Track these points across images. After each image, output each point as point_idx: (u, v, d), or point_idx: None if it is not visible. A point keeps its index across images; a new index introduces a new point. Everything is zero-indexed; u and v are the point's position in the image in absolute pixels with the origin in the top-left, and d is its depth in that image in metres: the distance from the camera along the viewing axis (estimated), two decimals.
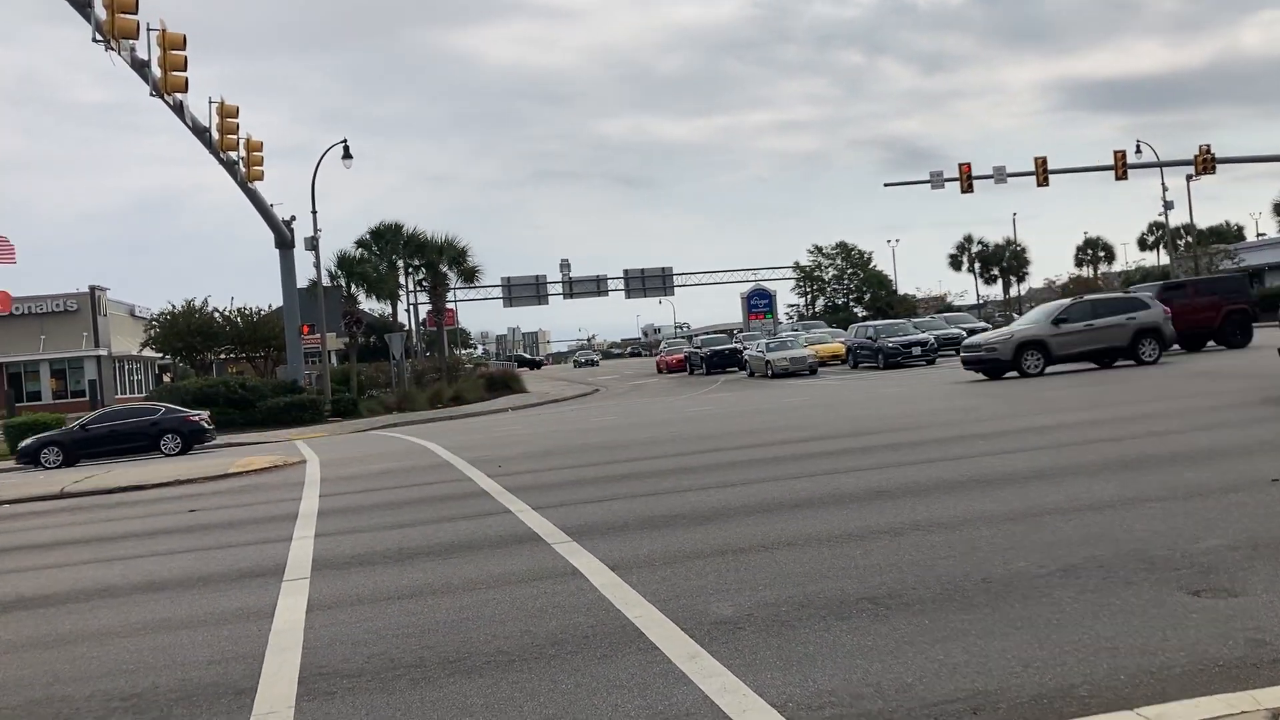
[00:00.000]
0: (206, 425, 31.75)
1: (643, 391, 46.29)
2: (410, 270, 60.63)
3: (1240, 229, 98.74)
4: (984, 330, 41.90)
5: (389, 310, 60.60)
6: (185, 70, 30.33)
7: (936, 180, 55.48)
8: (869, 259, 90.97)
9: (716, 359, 54.87)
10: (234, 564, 10.25)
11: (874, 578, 7.06)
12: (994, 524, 8.45)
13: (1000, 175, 54.63)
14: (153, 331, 56.41)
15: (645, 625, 6.40)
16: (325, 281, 45.44)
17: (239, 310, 55.49)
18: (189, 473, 21.17)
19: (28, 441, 30.94)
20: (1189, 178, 59.98)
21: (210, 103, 34.95)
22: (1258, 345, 30.27)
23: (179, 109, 33.08)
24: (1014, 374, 27.12)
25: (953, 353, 38.38)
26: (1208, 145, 53.59)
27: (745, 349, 52.10)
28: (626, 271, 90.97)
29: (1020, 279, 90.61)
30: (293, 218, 43.45)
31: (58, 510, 17.94)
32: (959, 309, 76.85)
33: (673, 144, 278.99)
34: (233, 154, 36.68)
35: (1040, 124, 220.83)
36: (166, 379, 64.89)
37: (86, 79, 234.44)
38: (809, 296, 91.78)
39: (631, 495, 12.11)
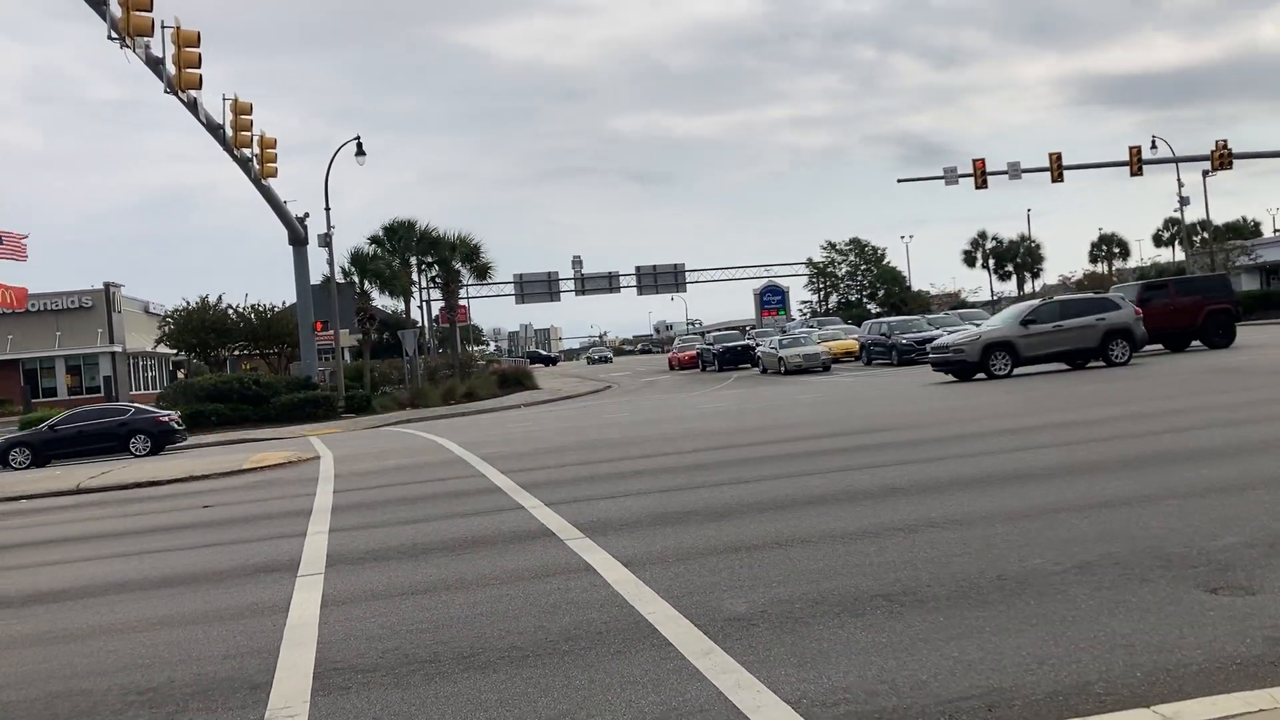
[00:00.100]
0: (176, 426, 31.61)
1: (655, 388, 46.29)
2: (423, 267, 60.71)
3: (1258, 225, 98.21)
4: None
5: (402, 307, 60.74)
6: (199, 67, 30.44)
7: (950, 176, 55.37)
8: (883, 255, 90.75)
9: (729, 355, 54.80)
10: (249, 559, 10.30)
11: (888, 574, 7.04)
12: (1009, 521, 8.42)
13: (1015, 171, 54.45)
14: (167, 328, 56.61)
15: (659, 621, 6.40)
16: (338, 278, 45.55)
17: (253, 307, 55.64)
18: (204, 469, 21.29)
19: None
20: (1205, 173, 59.73)
21: (224, 100, 35.04)
22: (1243, 345, 30.09)
23: (193, 106, 33.18)
24: (982, 376, 26.88)
25: None
26: (1225, 140, 53.35)
27: (758, 346, 52.03)
28: (639, 268, 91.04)
29: (1034, 275, 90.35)
30: (306, 214, 43.56)
31: (74, 506, 18.07)
32: (973, 305, 76.47)
33: (686, 140, 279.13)
34: (246, 151, 36.77)
35: (1055, 119, 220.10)
36: (181, 375, 65.19)
37: (102, 76, 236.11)
38: (822, 293, 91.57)
39: (644, 491, 12.11)
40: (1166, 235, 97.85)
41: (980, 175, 53.67)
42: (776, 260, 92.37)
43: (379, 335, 60.69)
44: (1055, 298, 33.00)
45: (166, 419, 31.63)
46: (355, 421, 38.03)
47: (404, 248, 57.99)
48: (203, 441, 34.12)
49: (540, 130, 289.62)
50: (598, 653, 5.95)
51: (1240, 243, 69.04)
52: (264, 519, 13.40)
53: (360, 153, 43.19)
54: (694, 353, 62.64)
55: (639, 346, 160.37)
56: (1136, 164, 53.64)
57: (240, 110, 35.13)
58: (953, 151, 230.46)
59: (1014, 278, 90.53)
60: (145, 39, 28.68)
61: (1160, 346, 31.47)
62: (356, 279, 52.81)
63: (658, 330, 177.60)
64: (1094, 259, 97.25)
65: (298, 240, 43.47)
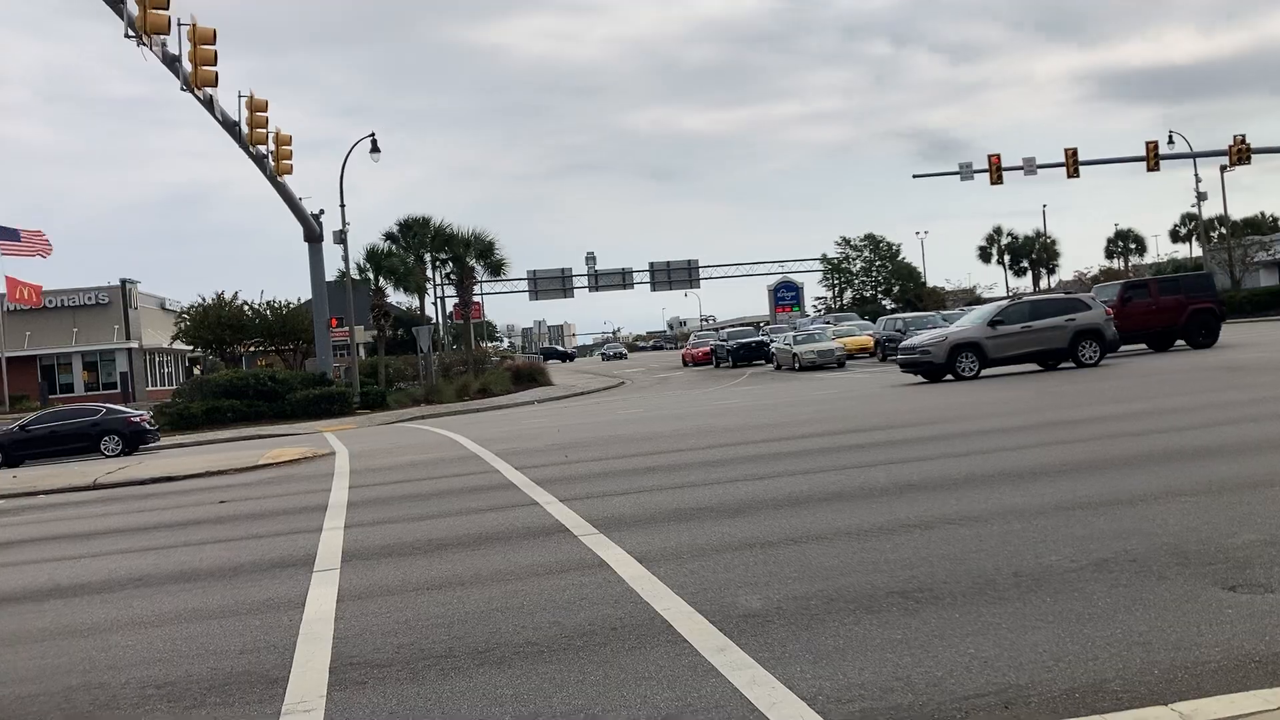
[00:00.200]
0: (149, 426, 31.73)
1: (669, 384, 46.28)
2: (438, 264, 60.96)
3: (1276, 220, 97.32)
4: None
5: (416, 303, 60.97)
6: (215, 65, 30.55)
7: (965, 172, 55.15)
8: (897, 251, 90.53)
9: (743, 351, 54.71)
10: (265, 554, 10.35)
11: (904, 571, 7.03)
12: (1025, 518, 8.39)
13: (1030, 167, 54.19)
14: (183, 324, 56.96)
15: (673, 618, 6.40)
16: (353, 275, 45.71)
17: (268, 303, 55.94)
18: (220, 464, 21.43)
19: None
20: (1223, 168, 59.31)
21: (239, 97, 35.14)
22: (1226, 344, 29.85)
23: (209, 103, 33.31)
24: (949, 377, 26.60)
25: None
26: (1243, 135, 53.04)
27: (772, 341, 51.95)
28: (652, 264, 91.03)
29: (1050, 271, 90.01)
30: (321, 211, 43.69)
31: (92, 501, 18.19)
32: (989, 301, 76.24)
33: (699, 136, 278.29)
34: (262, 148, 36.88)
35: (1071, 115, 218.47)
36: (197, 371, 65.56)
37: (118, 73, 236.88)
38: (836, 289, 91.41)
39: (659, 488, 12.11)
40: (1184, 231, 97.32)
41: (995, 171, 53.43)
42: (791, 256, 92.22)
43: (394, 332, 60.86)
44: (1025, 298, 32.86)
45: (138, 419, 31.69)
46: (370, 417, 38.16)
47: (418, 244, 58.23)
48: (219, 437, 34.33)
49: (553, 127, 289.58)
50: (613, 648, 5.95)
51: (1258, 238, 68.54)
52: (280, 514, 13.46)
53: (375, 150, 43.34)
54: (708, 349, 62.61)
55: (652, 343, 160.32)
56: (1153, 159, 53.31)
57: (256, 107, 35.24)
58: (968, 147, 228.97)
59: (1029, 274, 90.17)
60: (162, 36, 28.80)
61: (1144, 346, 31.34)
62: (371, 276, 53.04)
63: (671, 326, 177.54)
64: (1110, 255, 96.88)
65: (313, 237, 43.62)
